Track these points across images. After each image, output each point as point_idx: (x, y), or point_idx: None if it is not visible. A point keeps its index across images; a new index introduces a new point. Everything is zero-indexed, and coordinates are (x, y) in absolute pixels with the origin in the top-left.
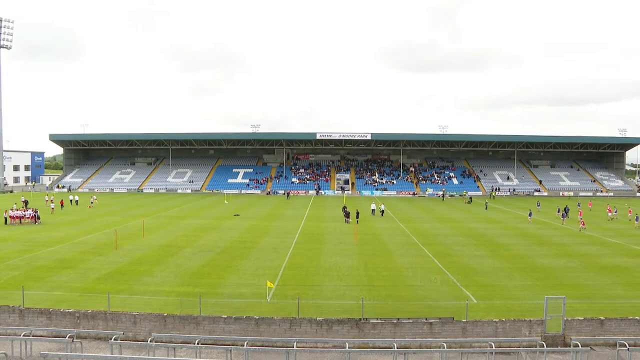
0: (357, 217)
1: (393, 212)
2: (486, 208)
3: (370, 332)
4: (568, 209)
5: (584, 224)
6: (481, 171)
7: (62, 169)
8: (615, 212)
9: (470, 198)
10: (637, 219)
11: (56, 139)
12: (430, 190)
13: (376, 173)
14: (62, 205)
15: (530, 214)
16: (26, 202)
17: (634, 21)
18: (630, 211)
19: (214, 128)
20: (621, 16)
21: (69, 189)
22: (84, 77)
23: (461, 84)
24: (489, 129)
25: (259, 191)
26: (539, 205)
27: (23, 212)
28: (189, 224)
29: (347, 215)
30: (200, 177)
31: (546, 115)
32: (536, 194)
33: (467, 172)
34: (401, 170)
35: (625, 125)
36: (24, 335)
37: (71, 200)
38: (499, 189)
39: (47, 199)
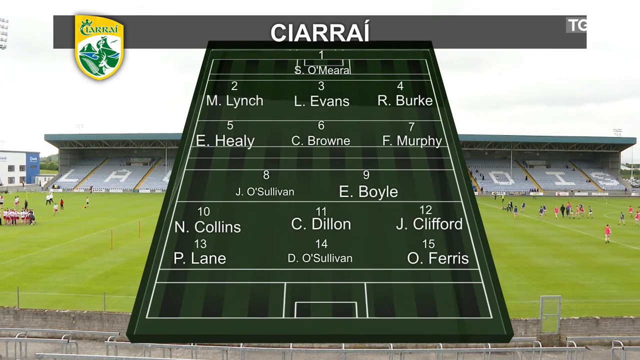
0: None
1: None
2: (515, 210)
3: None
4: (570, 206)
5: (608, 232)
6: (477, 171)
7: (57, 169)
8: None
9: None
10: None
11: (51, 139)
12: None
13: None
14: (61, 205)
15: (515, 210)
16: (26, 203)
17: (632, 20)
18: (582, 209)
19: None
20: (618, 16)
21: (47, 188)
22: (79, 76)
23: (460, 83)
24: (488, 129)
25: None
26: (524, 206)
27: (17, 213)
28: None
29: None
30: None
31: (545, 115)
32: (532, 194)
33: None
34: None
35: (625, 124)
36: (18, 337)
37: (48, 201)
38: (482, 189)
39: (17, 200)
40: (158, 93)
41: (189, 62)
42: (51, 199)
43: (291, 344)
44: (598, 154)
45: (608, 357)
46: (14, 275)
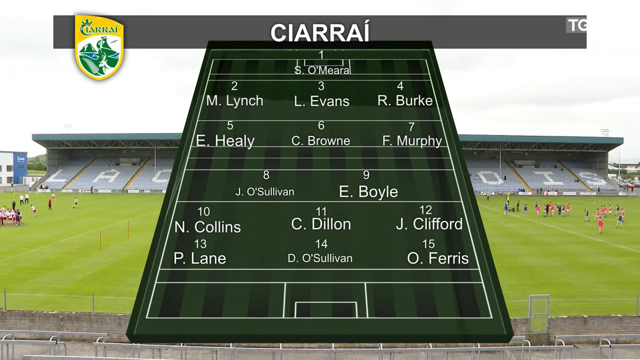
0: None
1: None
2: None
3: None
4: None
5: (601, 224)
6: None
7: (45, 169)
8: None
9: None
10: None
11: (39, 139)
12: None
13: None
14: (49, 205)
15: (506, 208)
16: (14, 204)
17: (625, 21)
18: (538, 208)
19: None
20: (610, 16)
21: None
22: (67, 75)
23: (450, 83)
24: (476, 129)
25: None
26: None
27: (4, 214)
28: None
29: None
30: None
31: (535, 115)
32: (520, 193)
33: None
34: None
35: (615, 123)
36: (5, 338)
37: (22, 200)
38: None
39: None
40: (147, 93)
41: (178, 61)
42: (27, 199)
43: (281, 344)
44: (586, 154)
45: (596, 356)
46: (1, 277)
